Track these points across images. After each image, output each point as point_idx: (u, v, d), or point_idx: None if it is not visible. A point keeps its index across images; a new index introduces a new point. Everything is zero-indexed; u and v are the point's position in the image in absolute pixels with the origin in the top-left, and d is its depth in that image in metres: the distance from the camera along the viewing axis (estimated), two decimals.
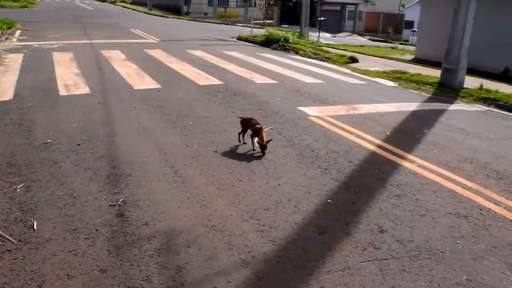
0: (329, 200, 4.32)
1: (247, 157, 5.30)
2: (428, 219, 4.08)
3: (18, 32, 16.16)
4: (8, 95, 7.35)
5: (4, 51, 11.80)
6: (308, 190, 4.52)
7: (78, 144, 5.31)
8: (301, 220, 3.91)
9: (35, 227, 3.53)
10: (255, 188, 4.48)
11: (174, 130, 6.09)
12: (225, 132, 6.11)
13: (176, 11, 39.68)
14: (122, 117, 6.49)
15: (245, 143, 5.62)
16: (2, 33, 14.99)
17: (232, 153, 5.38)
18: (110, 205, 3.92)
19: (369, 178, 4.93)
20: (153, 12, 38.43)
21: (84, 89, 8.02)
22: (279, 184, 4.60)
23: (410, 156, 5.68)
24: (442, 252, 3.56)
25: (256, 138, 5.37)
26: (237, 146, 5.59)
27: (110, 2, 55.84)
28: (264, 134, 5.30)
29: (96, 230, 3.54)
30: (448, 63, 11.08)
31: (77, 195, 4.08)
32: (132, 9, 43.73)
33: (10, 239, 3.38)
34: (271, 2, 36.75)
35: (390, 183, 4.84)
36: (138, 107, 7.08)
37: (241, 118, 5.70)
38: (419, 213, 4.18)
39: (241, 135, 5.63)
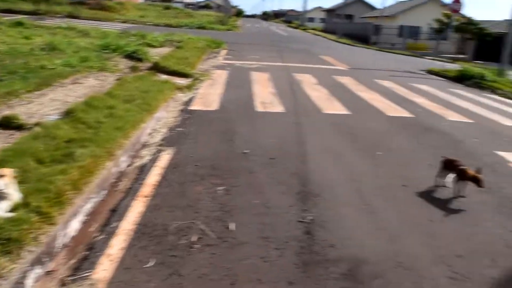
0: None
1: (438, 197, 4.99)
2: None
3: (224, 52, 18.09)
4: (215, 106, 8.27)
5: (212, 67, 13.34)
6: (508, 244, 4.06)
7: (272, 158, 5.67)
8: (498, 276, 3.53)
9: (232, 228, 3.87)
10: (447, 231, 4.19)
11: (363, 158, 6.09)
12: (415, 167, 5.88)
13: (364, 40, 39.84)
14: (313, 139, 6.73)
15: (444, 186, 5.23)
16: (211, 52, 16.99)
17: (422, 190, 5.11)
18: (299, 221, 4.08)
19: None
20: (342, 40, 39.35)
21: (279, 108, 8.56)
22: (474, 232, 4.23)
23: None
24: None
25: (459, 180, 4.99)
26: (427, 185, 5.28)
27: (302, 29, 59.25)
28: (473, 172, 4.92)
29: (286, 242, 3.71)
30: None
31: (270, 205, 4.34)
32: (322, 36, 45.59)
33: (212, 235, 3.76)
34: (467, 36, 34.41)
35: None
36: (328, 131, 7.28)
37: (444, 158, 5.35)
38: None
39: (439, 177, 5.27)
